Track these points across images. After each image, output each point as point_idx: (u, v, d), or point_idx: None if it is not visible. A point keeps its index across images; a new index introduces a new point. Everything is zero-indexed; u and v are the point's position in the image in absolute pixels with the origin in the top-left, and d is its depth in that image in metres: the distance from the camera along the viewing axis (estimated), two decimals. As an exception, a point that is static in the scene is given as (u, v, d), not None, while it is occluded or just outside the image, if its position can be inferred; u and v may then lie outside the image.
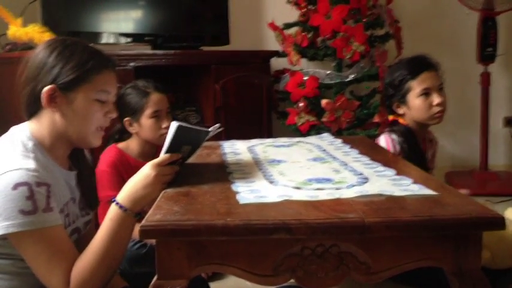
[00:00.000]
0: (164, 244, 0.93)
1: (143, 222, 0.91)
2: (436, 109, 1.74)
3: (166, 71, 2.48)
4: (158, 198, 1.06)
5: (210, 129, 1.25)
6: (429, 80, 1.73)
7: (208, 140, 1.37)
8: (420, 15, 3.00)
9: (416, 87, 1.73)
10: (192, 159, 1.35)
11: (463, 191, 1.59)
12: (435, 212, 0.95)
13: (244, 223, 0.91)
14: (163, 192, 1.10)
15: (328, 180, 1.19)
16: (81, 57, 1.11)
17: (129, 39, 2.59)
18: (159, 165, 1.11)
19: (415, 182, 1.14)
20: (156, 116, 1.76)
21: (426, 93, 1.73)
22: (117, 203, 1.08)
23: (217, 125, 1.31)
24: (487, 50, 2.81)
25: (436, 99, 1.73)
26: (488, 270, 0.99)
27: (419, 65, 1.76)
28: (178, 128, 1.12)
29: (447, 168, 3.01)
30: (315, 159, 1.43)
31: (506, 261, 1.51)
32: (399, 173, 1.23)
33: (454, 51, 2.96)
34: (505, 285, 1.45)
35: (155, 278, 0.93)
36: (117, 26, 2.58)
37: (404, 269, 0.97)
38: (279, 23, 2.73)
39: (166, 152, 1.14)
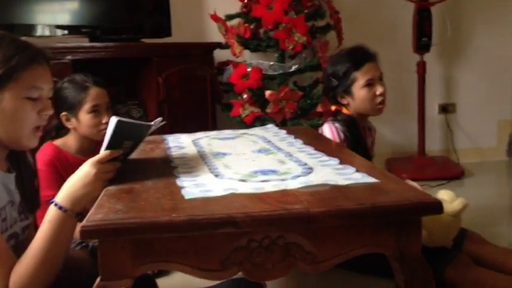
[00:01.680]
0: (107, 244, 0.89)
1: (84, 222, 0.87)
2: (379, 99, 1.79)
3: (105, 64, 2.40)
4: (99, 197, 1.02)
5: (152, 123, 1.22)
6: (372, 71, 1.77)
7: (151, 134, 1.33)
8: (358, 7, 3.06)
9: (360, 78, 1.77)
10: (134, 155, 1.31)
11: (405, 177, 1.63)
12: (377, 199, 0.97)
13: (190, 218, 0.89)
14: (104, 190, 1.06)
15: (273, 171, 1.18)
16: (5, 53, 1.04)
17: (65, 32, 2.48)
18: (99, 163, 1.06)
19: (358, 171, 1.16)
20: (95, 110, 1.70)
21: (370, 84, 1.77)
22: (56, 204, 1.03)
23: (159, 119, 1.28)
24: (422, 40, 2.90)
25: (379, 89, 1.78)
26: (426, 250, 1.02)
27: (362, 56, 1.79)
28: (118, 123, 1.08)
29: (387, 155, 3.10)
30: (260, 151, 1.43)
31: (442, 238, 1.57)
32: (342, 162, 1.24)
33: (391, 41, 3.04)
34: (442, 267, 1.51)
35: (98, 279, 0.90)
36: (52, 17, 2.47)
37: (349, 257, 0.98)
38: (221, 14, 2.70)
39: (107, 148, 1.09)
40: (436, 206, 0.96)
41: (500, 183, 2.98)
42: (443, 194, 1.66)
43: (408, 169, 2.88)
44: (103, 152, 1.09)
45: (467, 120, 3.23)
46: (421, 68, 2.93)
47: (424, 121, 2.98)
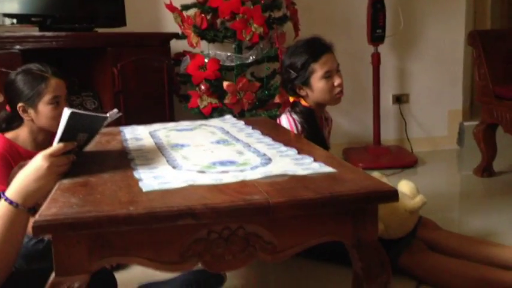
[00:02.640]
0: (61, 239, 0.87)
1: (36, 217, 0.84)
2: (337, 90, 1.81)
3: (57, 54, 2.32)
4: (53, 191, 0.99)
5: (107, 115, 1.19)
6: (329, 63, 1.79)
7: (106, 126, 1.30)
8: (315, -2, 3.09)
9: (318, 69, 1.78)
10: (89, 147, 1.27)
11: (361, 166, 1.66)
12: (335, 188, 0.98)
13: (148, 211, 0.88)
14: (58, 183, 1.03)
15: (232, 162, 1.18)
16: None
17: (14, 20, 2.38)
18: (52, 156, 1.03)
19: (316, 161, 1.17)
20: (55, 102, 1.64)
21: (328, 75, 1.78)
22: (7, 199, 0.99)
23: (115, 110, 1.25)
24: (376, 32, 2.95)
25: (336, 80, 1.80)
26: (382, 240, 1.05)
27: (320, 48, 1.81)
28: (72, 115, 1.05)
29: (344, 145, 3.15)
30: (218, 142, 1.42)
31: (398, 232, 1.62)
32: (301, 152, 1.25)
33: (347, 33, 3.08)
34: (397, 253, 1.56)
35: (52, 275, 0.87)
36: (0, 6, 2.36)
37: (308, 246, 0.99)
38: (177, 4, 2.66)
39: (60, 141, 1.06)
40: (392, 195, 0.98)
41: (451, 170, 3.08)
42: (405, 186, 1.71)
43: (364, 158, 2.94)
44: (56, 144, 1.06)
45: (419, 111, 3.32)
46: (376, 59, 2.98)
47: (379, 111, 3.05)
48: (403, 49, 3.25)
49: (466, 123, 3.30)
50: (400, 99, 3.29)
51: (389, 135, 3.27)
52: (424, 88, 3.30)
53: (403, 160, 2.94)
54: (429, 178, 2.75)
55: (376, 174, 1.66)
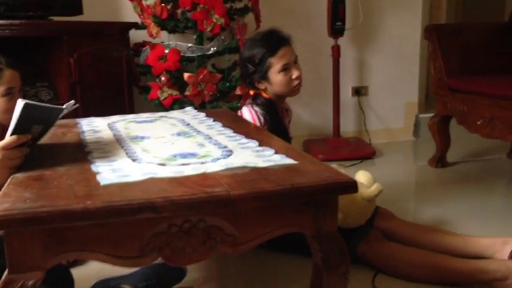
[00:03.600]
0: (14, 235, 0.84)
1: (-12, 213, 0.81)
2: (295, 82, 1.82)
3: (10, 43, 2.23)
4: (5, 185, 0.95)
5: (63, 107, 1.15)
6: (287, 56, 1.80)
7: (62, 118, 1.26)
8: (276, -10, 3.08)
9: (276, 63, 1.78)
10: (44, 140, 1.23)
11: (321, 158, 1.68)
12: (296, 180, 0.98)
13: (106, 205, 0.86)
14: (11, 177, 0.99)
15: (193, 154, 1.17)
16: None
17: (-37, 7, 2.27)
18: (5, 149, 0.99)
19: (276, 152, 1.17)
20: (9, 93, 1.57)
21: (285, 68, 1.79)
22: (-44, 194, 0.95)
23: (71, 102, 1.21)
24: (336, 24, 2.98)
25: (294, 73, 1.81)
26: (340, 230, 1.06)
27: (277, 41, 1.80)
28: (25, 106, 1.01)
29: (304, 137, 3.18)
30: (179, 134, 1.41)
31: (356, 220, 1.64)
32: (262, 144, 1.25)
33: (307, 25, 3.09)
34: (355, 243, 1.58)
35: (6, 272, 0.84)
36: None
37: (269, 237, 1.00)
38: (136, -7, 2.60)
39: (13, 133, 1.02)
40: (351, 186, 0.99)
41: (407, 161, 3.16)
42: (362, 176, 1.73)
43: (324, 150, 2.98)
44: (9, 137, 1.01)
45: (378, 103, 3.38)
46: (336, 51, 3.01)
47: (339, 103, 3.08)
48: (362, 42, 3.29)
49: (421, 115, 3.38)
50: (359, 92, 3.33)
51: (348, 127, 3.31)
52: (382, 81, 3.36)
53: (362, 151, 2.99)
54: (386, 169, 2.81)
55: (334, 166, 1.68)
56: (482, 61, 2.68)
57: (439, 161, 2.72)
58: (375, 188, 1.66)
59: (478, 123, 2.39)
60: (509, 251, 1.53)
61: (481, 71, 2.62)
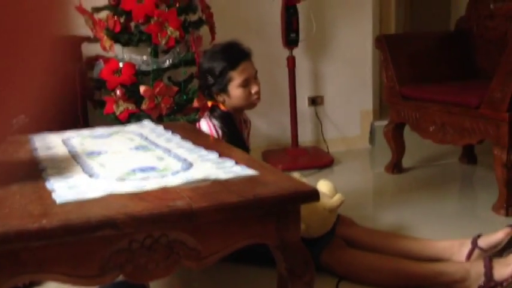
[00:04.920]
0: (-34, 259, 0.80)
1: None
2: (254, 97, 1.83)
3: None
4: (-46, 207, 0.90)
5: (13, 122, 1.11)
6: (247, 70, 1.80)
7: (12, 134, 1.21)
8: (229, 2, 3.10)
9: (236, 77, 1.78)
10: (-5, 158, 1.18)
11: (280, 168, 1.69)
12: (258, 191, 0.98)
13: (63, 224, 0.83)
14: (-40, 199, 0.94)
15: (152, 168, 1.15)
16: None
17: None
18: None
19: (237, 164, 1.17)
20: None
21: (246, 83, 1.79)
22: None
23: (21, 116, 1.17)
24: (290, 36, 3.02)
25: (254, 87, 1.81)
26: (303, 239, 1.06)
27: (238, 55, 1.81)
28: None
29: (263, 148, 3.19)
30: (137, 148, 1.38)
31: (319, 230, 1.66)
32: (222, 155, 1.25)
33: (262, 36, 3.12)
34: (318, 251, 1.59)
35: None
36: None
37: (233, 249, 0.99)
38: (88, 6, 2.55)
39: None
40: (313, 194, 1.00)
41: (364, 169, 3.22)
42: (323, 186, 1.75)
43: (283, 160, 2.99)
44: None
45: (333, 112, 3.44)
46: (291, 62, 3.05)
47: (296, 114, 3.11)
48: (316, 52, 3.35)
49: (376, 123, 3.46)
50: (315, 101, 3.38)
51: (306, 136, 3.35)
52: (337, 90, 3.42)
53: (320, 160, 3.03)
54: (345, 177, 2.86)
55: (296, 174, 1.69)
56: (432, 69, 2.78)
57: (395, 167, 2.79)
58: (336, 198, 1.68)
59: (430, 129, 2.47)
60: (466, 252, 1.58)
61: (431, 78, 2.71)
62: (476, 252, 1.57)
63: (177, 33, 2.47)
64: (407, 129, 2.71)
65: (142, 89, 2.45)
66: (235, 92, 1.80)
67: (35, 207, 0.90)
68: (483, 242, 1.58)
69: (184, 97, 2.57)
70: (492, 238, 1.58)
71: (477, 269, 1.43)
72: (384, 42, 2.73)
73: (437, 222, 2.08)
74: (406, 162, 2.84)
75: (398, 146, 2.77)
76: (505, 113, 2.03)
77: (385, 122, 2.89)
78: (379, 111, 3.64)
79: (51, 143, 1.48)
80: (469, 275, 1.43)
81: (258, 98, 1.85)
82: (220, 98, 1.83)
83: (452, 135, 2.34)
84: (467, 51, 2.87)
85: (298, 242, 1.04)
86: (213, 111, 1.86)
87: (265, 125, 3.25)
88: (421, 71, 2.75)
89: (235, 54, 1.81)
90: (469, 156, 2.90)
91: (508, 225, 1.60)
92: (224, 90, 1.80)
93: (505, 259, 1.43)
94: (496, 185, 2.13)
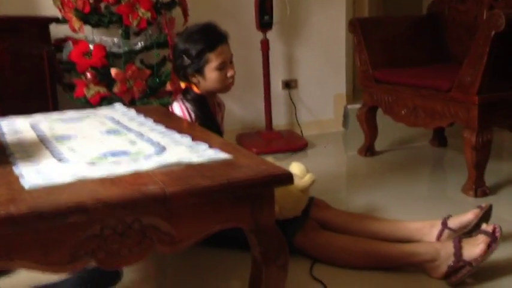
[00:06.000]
0: None
1: None
2: (229, 80, 1.82)
3: None
4: None
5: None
6: (224, 53, 1.79)
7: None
8: (203, -16, 3.05)
9: (213, 60, 1.77)
10: (-41, 143, 1.14)
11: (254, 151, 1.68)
12: (232, 175, 0.97)
13: (32, 210, 0.81)
14: None
15: (124, 153, 1.13)
16: None
17: None
18: None
19: (211, 147, 1.15)
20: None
21: (222, 66, 1.77)
22: None
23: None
24: (264, 18, 3.00)
25: (230, 71, 1.80)
26: (277, 221, 1.06)
27: (216, 37, 1.79)
28: None
29: (237, 131, 3.18)
30: (108, 132, 1.35)
31: (292, 211, 1.67)
32: (195, 139, 1.23)
33: (236, 19, 3.08)
34: (292, 234, 1.60)
35: None
36: None
37: (208, 234, 0.98)
38: (56, -14, 2.47)
39: None
40: (287, 178, 1.00)
41: (338, 152, 3.25)
42: (295, 168, 1.75)
43: (257, 143, 2.99)
44: None
45: (307, 95, 3.44)
46: (265, 45, 3.03)
47: (270, 97, 3.11)
48: (290, 36, 3.33)
49: (350, 107, 3.48)
50: (289, 85, 3.38)
51: (280, 120, 3.35)
52: (310, 74, 3.42)
53: (294, 144, 3.03)
54: (319, 160, 2.87)
55: (270, 159, 1.69)
56: (404, 53, 2.80)
57: (368, 150, 2.82)
58: (308, 178, 1.68)
59: (403, 112, 2.50)
60: (437, 233, 1.61)
61: (403, 62, 2.73)
62: (446, 232, 1.61)
63: (148, 15, 2.42)
64: (380, 113, 2.74)
65: (113, 71, 2.40)
66: (211, 74, 1.78)
67: (2, 193, 0.87)
68: (453, 223, 1.62)
69: (157, 80, 2.54)
70: (462, 219, 1.62)
71: (447, 249, 1.46)
72: (357, 26, 2.73)
73: (408, 203, 2.11)
74: (378, 145, 2.87)
75: (371, 129, 2.79)
76: (475, 96, 2.06)
77: (358, 106, 2.91)
78: (353, 95, 3.66)
79: (19, 127, 1.44)
80: (439, 255, 1.46)
81: (232, 83, 1.84)
82: (194, 80, 1.81)
83: (424, 118, 2.37)
84: (439, 35, 2.90)
85: (272, 226, 1.04)
86: (186, 94, 1.84)
87: (239, 108, 3.23)
88: (394, 55, 2.77)
89: (213, 36, 1.79)
90: (439, 139, 2.95)
91: (477, 206, 1.64)
92: (200, 71, 1.78)
93: (474, 239, 1.46)
94: (465, 167, 2.17)
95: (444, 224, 1.62)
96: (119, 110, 1.71)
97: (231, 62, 1.83)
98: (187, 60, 1.78)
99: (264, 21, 2.99)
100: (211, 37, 1.78)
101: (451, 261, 1.44)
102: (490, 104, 2.08)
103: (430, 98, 2.31)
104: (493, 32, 1.97)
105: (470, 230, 1.59)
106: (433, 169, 2.75)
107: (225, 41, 1.81)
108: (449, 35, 2.86)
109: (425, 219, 1.69)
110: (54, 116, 1.63)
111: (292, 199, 1.66)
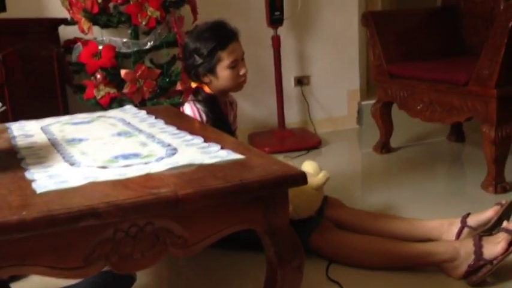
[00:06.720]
0: None
1: None
2: (242, 78, 1.82)
3: None
4: None
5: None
6: (236, 51, 1.79)
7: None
8: (212, -19, 3.05)
9: (225, 58, 1.77)
10: (-29, 148, 1.16)
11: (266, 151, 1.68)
12: (244, 175, 0.98)
13: (44, 215, 0.82)
14: None
15: (135, 155, 1.14)
16: None
17: None
18: None
19: (223, 148, 1.16)
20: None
21: (234, 64, 1.78)
22: None
23: (-1, 105, 1.15)
24: (275, 14, 3.00)
25: (242, 69, 1.81)
26: (291, 221, 1.06)
27: (227, 35, 1.79)
28: None
29: (249, 130, 3.18)
30: (119, 134, 1.36)
31: (307, 211, 1.66)
32: (207, 140, 1.24)
33: (246, 15, 3.08)
34: (307, 234, 1.60)
35: None
36: None
37: (221, 236, 0.99)
38: (64, -13, 2.50)
39: None
40: (301, 177, 1.00)
41: (353, 149, 3.24)
42: (308, 166, 1.75)
43: (270, 142, 2.99)
44: None
45: (320, 92, 3.43)
46: (276, 42, 3.03)
47: (282, 94, 3.10)
48: (301, 31, 3.33)
49: (364, 103, 3.47)
50: (301, 82, 3.37)
51: (293, 117, 3.35)
52: (323, 70, 3.41)
53: (308, 142, 3.03)
54: (333, 158, 2.87)
55: (280, 158, 1.69)
56: (419, 46, 2.78)
57: (383, 147, 2.80)
58: (322, 175, 1.68)
59: (418, 107, 2.48)
60: (456, 231, 1.60)
61: (418, 56, 2.71)
62: (466, 231, 1.59)
63: (157, 14, 2.43)
64: (395, 108, 2.72)
65: (123, 72, 2.41)
66: (223, 73, 1.78)
67: (14, 198, 0.88)
68: (472, 221, 1.60)
69: (167, 80, 2.55)
70: (481, 216, 1.60)
71: (467, 248, 1.45)
72: (370, 19, 2.71)
73: (426, 201, 2.10)
74: (394, 141, 2.85)
75: (386, 126, 2.78)
76: (493, 90, 2.04)
77: (372, 102, 2.89)
78: (367, 91, 3.64)
79: (30, 131, 1.46)
80: (459, 254, 1.45)
81: (245, 81, 1.84)
82: (206, 79, 1.81)
83: (441, 113, 2.35)
84: (454, 27, 2.87)
85: (286, 227, 1.04)
86: (196, 94, 1.84)
87: (251, 107, 3.23)
88: (409, 49, 2.74)
89: (224, 34, 1.79)
90: (457, 134, 2.93)
91: (497, 203, 1.62)
92: (212, 71, 1.78)
93: (495, 237, 1.45)
94: (484, 163, 2.15)
95: (463, 222, 1.61)
96: (129, 112, 1.72)
97: (243, 60, 1.83)
98: (198, 60, 1.78)
99: (275, 17, 2.98)
100: (222, 35, 1.78)
101: (471, 260, 1.43)
102: (509, 97, 2.06)
103: (446, 92, 2.29)
104: (510, 24, 1.95)
105: (491, 228, 1.57)
106: (451, 165, 2.73)
107: (236, 38, 1.81)
108: (465, 27, 2.83)
109: (444, 217, 1.68)
110: (65, 118, 1.64)
111: (306, 198, 1.65)
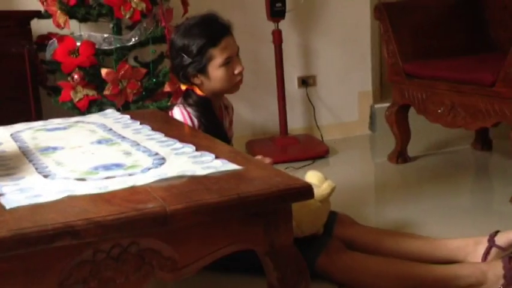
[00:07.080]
0: None
1: None
2: (238, 77, 1.82)
3: None
4: None
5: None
6: (230, 47, 1.79)
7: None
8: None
9: (218, 56, 1.77)
10: None
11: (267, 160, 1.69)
12: (242, 189, 0.98)
13: (14, 234, 0.82)
14: None
15: (118, 165, 1.15)
16: None
17: None
18: None
19: (217, 157, 1.16)
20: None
21: (228, 62, 1.78)
22: None
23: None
24: (276, 6, 3.01)
25: (238, 67, 1.80)
26: (296, 239, 1.06)
27: (219, 30, 1.79)
28: None
29: (247, 137, 3.18)
30: (99, 142, 1.38)
31: (312, 226, 1.67)
32: (199, 148, 1.24)
33: (243, 7, 3.10)
34: (314, 256, 1.60)
35: None
36: None
37: (215, 257, 0.99)
38: (37, -25, 2.52)
39: None
40: (306, 191, 1.01)
41: (365, 159, 3.25)
42: (311, 176, 1.76)
43: (271, 151, 2.99)
44: None
45: (328, 94, 3.44)
46: (277, 37, 3.04)
47: (285, 97, 3.11)
48: (306, 25, 3.34)
49: (377, 106, 3.48)
50: (306, 82, 3.38)
51: (297, 123, 3.35)
52: (331, 68, 3.42)
53: (314, 150, 3.04)
54: (342, 169, 2.87)
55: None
56: (439, 42, 2.80)
57: (400, 156, 2.81)
58: (326, 186, 1.68)
59: (439, 111, 2.49)
60: (483, 252, 1.60)
61: (438, 52, 2.72)
62: (494, 251, 1.59)
63: (143, 6, 2.45)
64: (412, 112, 2.73)
65: (104, 72, 2.43)
66: (215, 73, 1.78)
67: (-20, 215, 0.89)
68: (501, 240, 1.60)
69: (154, 80, 2.56)
70: (511, 235, 1.60)
71: (495, 270, 1.45)
72: (384, 12, 2.73)
73: (448, 218, 2.10)
74: (411, 150, 2.86)
75: (402, 132, 2.78)
76: (524, 91, 2.05)
77: (387, 105, 2.90)
78: (380, 92, 3.66)
79: (-2, 138, 1.47)
80: (486, 278, 1.45)
81: (241, 80, 1.84)
82: (197, 81, 1.82)
83: (464, 117, 2.36)
84: (479, 21, 2.89)
85: (290, 247, 1.04)
86: (187, 97, 1.85)
87: (249, 111, 3.24)
88: (427, 45, 2.76)
89: (215, 29, 1.79)
90: (483, 141, 2.94)
91: (529, 220, 1.62)
92: (202, 71, 1.79)
93: (526, 258, 1.45)
94: (514, 174, 2.16)
95: (491, 241, 1.61)
96: (111, 116, 1.73)
97: (238, 56, 1.84)
98: (187, 59, 1.78)
99: (276, 8, 3.00)
100: (213, 30, 1.79)
101: (500, 284, 1.43)
102: (541, 100, 2.07)
103: (470, 94, 2.30)
104: (543, 16, 1.96)
105: (522, 248, 1.58)
106: (477, 177, 2.74)
107: (229, 32, 1.81)
108: (490, 20, 2.85)
109: (469, 235, 1.68)
110: (38, 124, 1.65)
111: (310, 212, 1.65)
